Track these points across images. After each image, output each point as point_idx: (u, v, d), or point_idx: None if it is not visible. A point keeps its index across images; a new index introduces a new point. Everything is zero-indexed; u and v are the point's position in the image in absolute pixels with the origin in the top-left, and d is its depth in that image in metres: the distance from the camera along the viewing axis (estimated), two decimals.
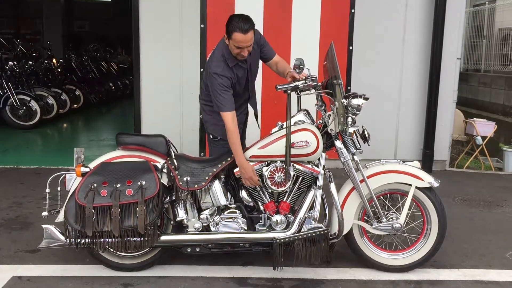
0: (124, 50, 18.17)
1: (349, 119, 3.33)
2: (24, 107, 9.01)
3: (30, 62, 10.10)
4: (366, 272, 3.57)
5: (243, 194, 3.47)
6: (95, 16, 18.26)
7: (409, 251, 3.58)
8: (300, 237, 3.30)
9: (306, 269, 3.55)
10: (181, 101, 6.13)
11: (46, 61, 11.05)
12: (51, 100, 9.78)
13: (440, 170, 6.51)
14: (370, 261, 3.57)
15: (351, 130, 3.34)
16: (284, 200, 3.47)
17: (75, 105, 10.95)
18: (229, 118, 3.39)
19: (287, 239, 3.31)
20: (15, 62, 9.63)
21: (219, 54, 3.53)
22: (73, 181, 3.38)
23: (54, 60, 11.54)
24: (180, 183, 3.33)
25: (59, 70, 11.63)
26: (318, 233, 3.31)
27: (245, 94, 3.75)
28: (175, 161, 3.38)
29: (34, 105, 9.11)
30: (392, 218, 3.50)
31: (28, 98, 9.09)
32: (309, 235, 3.31)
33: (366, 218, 3.56)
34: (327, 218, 3.51)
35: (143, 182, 3.22)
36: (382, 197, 3.57)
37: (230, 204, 3.47)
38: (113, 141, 3.51)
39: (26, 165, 6.42)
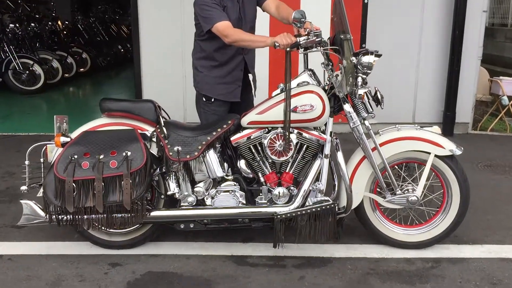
0: None
1: (359, 79, 2.94)
2: (27, 71, 8.70)
3: (32, 24, 9.75)
4: (379, 249, 3.24)
5: (241, 164, 3.13)
6: None
7: (426, 226, 3.23)
8: (304, 212, 2.96)
9: (312, 246, 3.24)
10: (183, 63, 5.74)
11: (50, 23, 10.68)
12: (55, 64, 9.46)
13: (462, 133, 6.08)
14: (383, 236, 3.23)
15: (361, 91, 2.96)
16: (287, 171, 3.12)
17: (81, 69, 10.64)
18: (225, 26, 3.04)
19: (289, 215, 2.97)
20: (16, 24, 9.28)
21: None
22: (55, 152, 3.08)
23: (59, 22, 11.18)
24: (170, 153, 3.00)
25: (64, 32, 11.28)
26: (324, 207, 2.97)
27: None
28: (164, 129, 3.04)
29: (37, 69, 8.81)
30: (407, 190, 3.14)
31: (31, 62, 8.79)
32: (314, 210, 2.96)
33: (378, 190, 3.21)
34: (335, 189, 3.16)
35: (129, 153, 2.90)
36: (396, 167, 3.20)
37: (227, 175, 3.14)
38: None
39: (25, 131, 6.17)
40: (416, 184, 3.14)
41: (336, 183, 3.18)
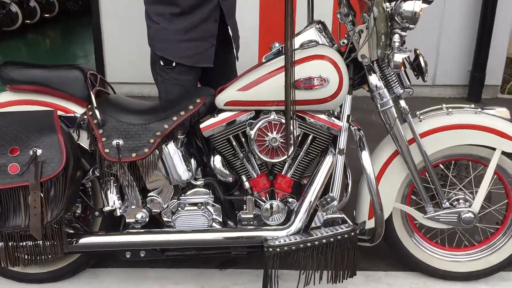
0: None
1: (396, 38, 1.90)
2: None
3: None
4: (411, 279, 2.31)
5: (217, 163, 2.11)
6: None
7: (481, 249, 2.27)
8: (310, 244, 1.97)
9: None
10: None
11: None
12: (14, 8, 8.19)
13: (491, 98, 5.05)
14: (419, 263, 2.28)
15: (398, 57, 1.92)
16: (283, 173, 2.11)
17: (47, 14, 9.33)
18: None
19: (286, 248, 1.97)
20: None
21: None
22: None
23: None
24: (106, 150, 1.97)
25: None
26: (340, 236, 1.97)
27: None
28: (97, 111, 2.00)
29: None
30: (458, 201, 2.16)
31: None
32: (325, 240, 1.97)
33: (413, 198, 2.23)
34: (348, 191, 2.17)
35: (39, 151, 1.87)
36: (441, 165, 2.21)
37: (195, 179, 2.13)
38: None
39: None
40: (470, 191, 2.17)
41: (350, 181, 2.20)
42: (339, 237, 1.95)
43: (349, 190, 2.18)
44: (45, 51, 7.85)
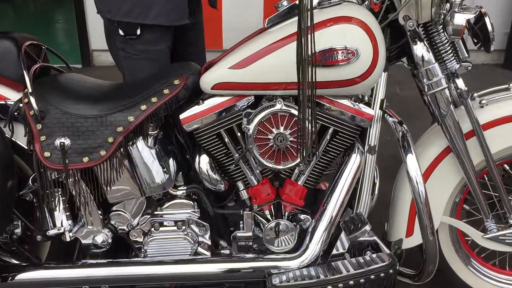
0: None
1: None
2: None
3: None
4: None
5: (204, 165, 1.54)
6: None
7: None
8: (330, 287, 1.41)
9: None
10: None
11: None
12: None
13: None
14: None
15: (460, 19, 1.35)
16: (293, 178, 1.55)
17: None
18: None
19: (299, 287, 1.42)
20: None
21: None
22: None
23: None
24: (46, 153, 1.42)
25: None
26: (374, 275, 1.40)
27: None
28: (33, 99, 1.43)
29: None
30: None
31: None
32: (352, 282, 1.40)
33: (466, 208, 1.68)
34: (375, 193, 1.64)
35: None
36: (507, 166, 1.65)
37: (176, 187, 1.58)
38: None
39: None
40: None
41: (377, 180, 1.66)
42: (372, 276, 1.39)
43: (376, 191, 1.66)
44: (34, 15, 7.18)
